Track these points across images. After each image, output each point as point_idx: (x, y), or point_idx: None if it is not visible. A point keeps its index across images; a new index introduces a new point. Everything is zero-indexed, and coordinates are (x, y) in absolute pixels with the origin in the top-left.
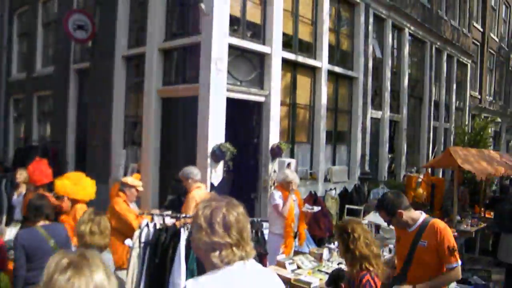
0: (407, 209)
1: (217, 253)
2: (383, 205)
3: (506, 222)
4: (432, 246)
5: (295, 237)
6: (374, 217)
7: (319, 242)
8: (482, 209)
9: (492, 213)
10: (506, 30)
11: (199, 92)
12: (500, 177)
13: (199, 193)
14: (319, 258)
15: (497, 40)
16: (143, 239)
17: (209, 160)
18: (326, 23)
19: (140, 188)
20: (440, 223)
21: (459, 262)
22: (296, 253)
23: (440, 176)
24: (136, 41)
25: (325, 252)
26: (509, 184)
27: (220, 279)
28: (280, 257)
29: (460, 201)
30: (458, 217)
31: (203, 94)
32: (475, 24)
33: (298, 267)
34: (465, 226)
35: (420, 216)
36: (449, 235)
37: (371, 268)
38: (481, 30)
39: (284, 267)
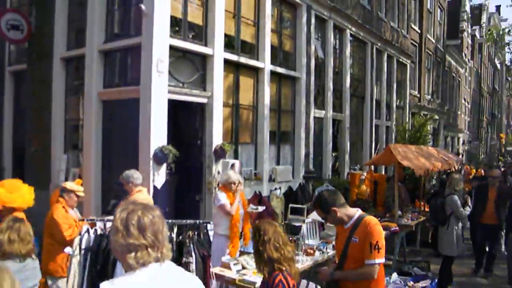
0: (341, 207)
1: (132, 254)
2: (318, 203)
3: (439, 215)
4: (361, 241)
5: (240, 237)
6: (317, 216)
7: None
8: (422, 203)
9: None
10: (441, 32)
11: (140, 94)
12: (438, 172)
13: (140, 197)
14: None
15: (433, 41)
16: (83, 246)
17: (151, 163)
18: (268, 24)
19: (81, 194)
20: (371, 220)
21: (379, 261)
22: (242, 253)
23: (383, 173)
24: (76, 42)
25: None
26: (446, 178)
27: (136, 280)
28: (225, 258)
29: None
30: (399, 212)
31: (144, 96)
32: (413, 26)
33: (243, 268)
34: (405, 221)
35: (356, 213)
36: (376, 232)
37: (283, 268)
38: (419, 31)
39: (229, 268)
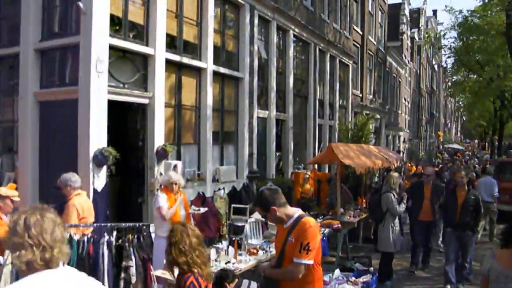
0: (282, 206)
1: (17, 253)
2: (259, 201)
3: (375, 213)
4: (296, 241)
5: None
6: (258, 213)
7: (210, 242)
8: (364, 200)
9: None
10: (382, 33)
11: (79, 95)
12: (379, 169)
13: (79, 200)
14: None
15: (374, 42)
16: None
17: (91, 166)
18: (211, 24)
19: (16, 199)
20: (308, 221)
21: (305, 262)
22: None
23: (327, 171)
24: (9, 40)
25: (213, 252)
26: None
27: (31, 284)
28: None
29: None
30: (342, 210)
31: (83, 97)
32: (355, 27)
33: None
34: (348, 218)
35: (296, 212)
36: (309, 233)
37: (195, 270)
38: (361, 33)
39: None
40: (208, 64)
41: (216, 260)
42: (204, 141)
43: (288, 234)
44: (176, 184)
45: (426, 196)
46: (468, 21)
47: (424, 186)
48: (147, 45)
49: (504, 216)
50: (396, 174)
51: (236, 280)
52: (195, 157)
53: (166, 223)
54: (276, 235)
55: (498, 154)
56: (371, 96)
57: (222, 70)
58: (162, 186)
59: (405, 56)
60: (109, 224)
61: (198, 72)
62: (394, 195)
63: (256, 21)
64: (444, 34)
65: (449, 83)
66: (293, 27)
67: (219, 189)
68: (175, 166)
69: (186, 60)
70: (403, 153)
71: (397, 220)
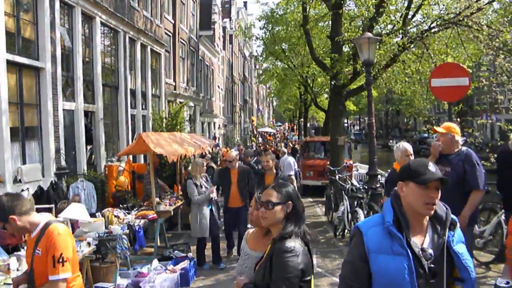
0: (24, 214)
1: None
2: None
3: (185, 198)
4: (44, 254)
5: None
6: (70, 213)
7: (14, 250)
8: (180, 187)
9: None
10: (194, 22)
11: None
12: (194, 156)
13: None
14: (6, 269)
15: (187, 31)
16: None
17: None
18: (1, 6)
19: None
20: (54, 229)
21: (64, 275)
22: None
23: (142, 161)
24: None
25: (13, 261)
26: None
27: None
28: None
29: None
30: (157, 199)
31: None
32: (166, 16)
33: None
34: (164, 207)
35: (42, 220)
36: (59, 242)
37: None
38: (172, 21)
39: None
40: (0, 52)
41: (17, 270)
42: (0, 138)
43: (36, 246)
44: None
45: (233, 182)
46: (274, 13)
47: (230, 172)
48: None
49: (309, 190)
50: (200, 160)
51: None
52: None
53: None
54: (26, 247)
55: (304, 135)
56: (184, 85)
57: (19, 59)
58: None
59: (217, 45)
60: None
61: None
62: (193, 182)
63: (57, 5)
64: (253, 25)
65: (260, 71)
66: (100, 13)
67: (23, 190)
68: None
69: None
70: (219, 139)
71: (205, 206)
